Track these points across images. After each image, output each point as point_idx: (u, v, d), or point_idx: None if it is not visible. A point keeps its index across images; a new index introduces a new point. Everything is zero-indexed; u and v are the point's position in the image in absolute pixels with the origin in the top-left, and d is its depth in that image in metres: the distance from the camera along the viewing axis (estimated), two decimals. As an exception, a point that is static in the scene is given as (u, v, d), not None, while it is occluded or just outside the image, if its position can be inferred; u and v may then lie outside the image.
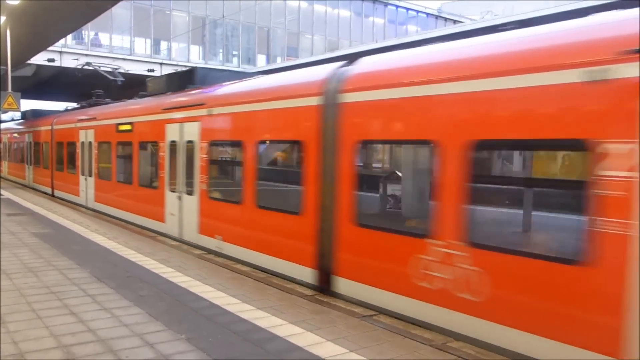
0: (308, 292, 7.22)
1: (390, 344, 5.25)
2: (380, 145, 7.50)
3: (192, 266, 8.50)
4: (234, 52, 41.97)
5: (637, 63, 4.29)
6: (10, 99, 19.09)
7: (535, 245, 5.78)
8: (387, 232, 6.51)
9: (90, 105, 19.59)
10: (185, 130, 11.09)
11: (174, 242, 10.80)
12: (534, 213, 6.02)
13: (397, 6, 51.94)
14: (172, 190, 11.63)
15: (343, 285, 7.11)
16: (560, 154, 5.87)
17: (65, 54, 31.35)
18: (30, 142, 24.75)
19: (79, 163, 18.00)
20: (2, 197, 18.20)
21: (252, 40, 42.67)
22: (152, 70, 31.80)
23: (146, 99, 14.26)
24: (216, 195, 10.26)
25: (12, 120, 30.01)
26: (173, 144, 11.59)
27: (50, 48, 26.73)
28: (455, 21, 51.06)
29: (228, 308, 6.24)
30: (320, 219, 7.45)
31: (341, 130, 7.10)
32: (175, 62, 36.61)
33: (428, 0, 54.54)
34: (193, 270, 8.16)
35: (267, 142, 9.19)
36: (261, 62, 42.65)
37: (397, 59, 7.03)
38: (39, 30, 20.24)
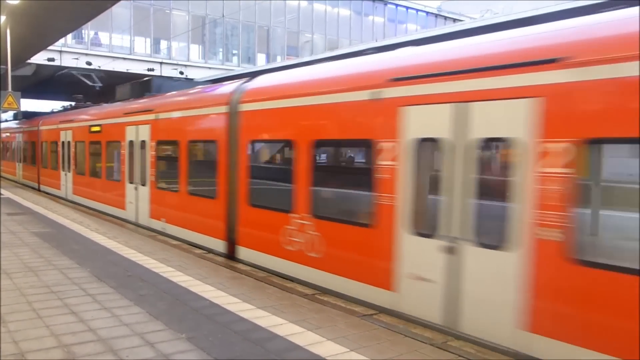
0: (308, 291, 7.22)
1: (391, 342, 5.26)
2: (264, 144, 9.51)
3: (192, 265, 8.51)
4: (234, 52, 41.95)
5: (397, 88, 6.44)
6: (10, 99, 19.11)
7: (349, 215, 7.58)
8: (267, 210, 8.70)
9: (72, 108, 22.11)
10: (139, 132, 13.20)
11: (174, 242, 10.81)
12: (348, 191, 8.03)
13: (396, 5, 51.91)
14: (131, 182, 13.77)
15: (243, 252, 9.35)
16: (355, 149, 8.29)
17: (65, 53, 31.34)
18: (20, 142, 27.21)
19: (60, 160, 20.19)
20: (2, 196, 18.20)
21: (252, 39, 42.64)
22: (152, 70, 31.82)
23: (114, 104, 16.42)
24: (162, 185, 12.33)
25: (5, 121, 30.26)
26: (131, 143, 13.71)
27: (50, 47, 26.73)
28: (455, 20, 51.05)
29: (228, 307, 6.24)
30: (228, 202, 9.76)
31: (240, 133, 9.37)
32: (175, 62, 36.61)
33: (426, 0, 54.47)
34: (193, 270, 8.17)
35: (194, 141, 11.17)
36: (261, 62, 42.63)
37: (276, 78, 9.42)
38: (39, 29, 20.24)
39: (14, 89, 19.95)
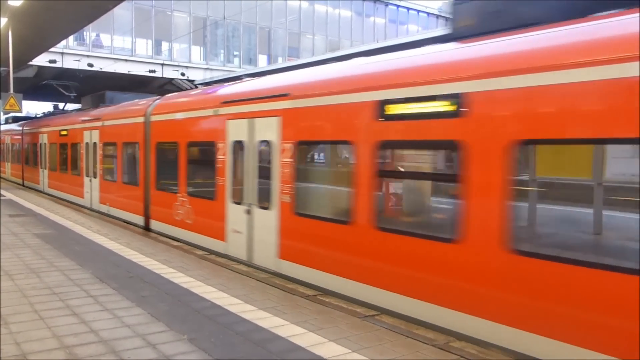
0: (310, 292, 7.22)
1: (392, 344, 5.25)
2: (164, 144, 12.43)
3: (194, 267, 8.51)
4: (235, 53, 41.98)
5: (227, 108, 9.81)
6: (12, 100, 19.17)
7: (206, 193, 10.57)
8: (165, 192, 12.21)
9: (51, 114, 26.02)
10: (92, 135, 16.95)
11: (175, 243, 10.82)
12: (205, 177, 10.70)
13: (397, 6, 51.93)
14: (87, 175, 17.42)
15: (153, 224, 12.97)
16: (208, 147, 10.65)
17: (67, 55, 31.37)
18: (8, 144, 30.62)
19: (39, 159, 23.80)
20: (3, 198, 18.22)
21: (254, 40, 42.67)
22: (154, 71, 31.85)
23: (79, 112, 20.61)
24: (106, 177, 15.95)
25: None
26: (87, 144, 17.39)
27: (52, 49, 26.73)
28: (456, 21, 50.97)
29: (230, 308, 6.24)
30: (144, 188, 13.37)
31: (151, 136, 12.91)
32: (176, 63, 36.62)
33: (429, 0, 54.45)
34: (194, 271, 8.17)
35: (126, 143, 14.61)
36: (262, 63, 42.64)
37: (171, 98, 13.35)
38: (41, 31, 20.27)
39: (15, 90, 19.99)
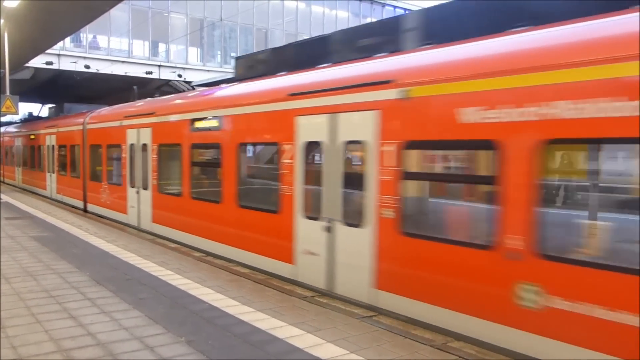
0: (308, 293, 7.21)
1: (391, 344, 5.25)
2: (99, 146, 16.21)
3: (191, 268, 8.49)
4: (232, 54, 41.93)
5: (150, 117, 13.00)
6: (8, 102, 19.11)
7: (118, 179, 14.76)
8: (97, 182, 15.98)
9: (25, 121, 30.62)
10: (51, 139, 21.61)
11: (172, 245, 10.80)
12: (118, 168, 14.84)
13: (394, 7, 51.95)
14: (49, 171, 21.98)
15: (90, 208, 17.14)
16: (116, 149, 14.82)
17: (64, 56, 31.24)
18: None
19: (15, 159, 28.72)
20: (1, 201, 18.17)
21: (251, 41, 42.60)
22: (151, 73, 31.77)
23: (44, 120, 25.63)
24: (61, 172, 20.41)
25: None
26: (48, 146, 21.96)
27: (49, 51, 26.63)
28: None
29: (228, 310, 6.23)
30: (83, 180, 17.60)
31: (88, 140, 17.16)
32: (173, 64, 36.53)
33: (424, 0, 54.45)
34: (192, 273, 8.15)
35: (72, 145, 18.81)
36: (259, 64, 42.53)
37: (102, 110, 17.39)
38: (37, 33, 20.21)
39: (12, 92, 19.94)
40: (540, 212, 5.01)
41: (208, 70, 38.00)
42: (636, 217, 4.54)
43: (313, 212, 7.72)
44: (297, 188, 8.02)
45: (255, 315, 6.04)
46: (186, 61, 38.28)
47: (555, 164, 5.71)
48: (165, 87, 22.68)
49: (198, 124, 10.59)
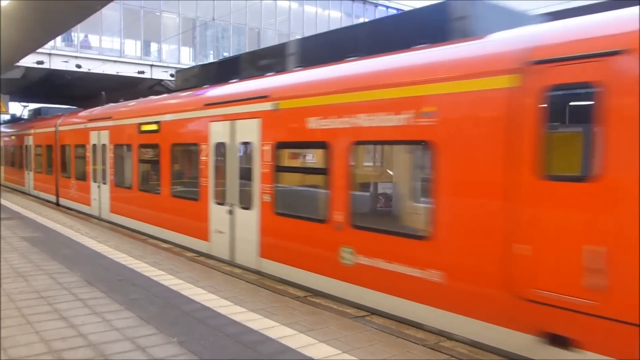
0: (300, 293, 7.21)
1: (383, 344, 5.25)
2: (67, 146, 18.56)
3: (183, 269, 8.46)
4: (225, 54, 41.82)
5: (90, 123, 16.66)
6: (-1, 102, 18.99)
7: (80, 174, 17.24)
8: (67, 178, 18.42)
9: (10, 122, 32.52)
10: (29, 139, 23.77)
11: (165, 245, 10.76)
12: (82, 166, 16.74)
13: (387, 7, 52.02)
14: (26, 169, 24.27)
15: (61, 201, 19.04)
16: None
17: (55, 56, 31.01)
18: None
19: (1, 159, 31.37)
20: (1, 203, 18.06)
21: (243, 41, 42.51)
22: (143, 72, 31.62)
23: (24, 122, 27.53)
24: (37, 169, 22.62)
25: None
26: (27, 146, 24.15)
27: (39, 50, 26.41)
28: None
29: (220, 310, 6.21)
30: (56, 176, 19.67)
31: (59, 141, 19.28)
32: (166, 64, 36.37)
33: (417, 0, 54.54)
34: (184, 273, 8.13)
35: (47, 145, 20.82)
36: (252, 63, 42.48)
37: (69, 114, 19.91)
38: (28, 32, 20.07)
39: (2, 92, 19.82)
40: (352, 194, 7.07)
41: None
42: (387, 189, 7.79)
43: (221, 198, 9.72)
44: (210, 180, 10.03)
45: (247, 316, 6.03)
46: (178, 61, 38.12)
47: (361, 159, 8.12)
48: (157, 87, 22.59)
49: (143, 127, 12.92)
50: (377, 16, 51.50)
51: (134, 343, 5.06)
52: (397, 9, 53.18)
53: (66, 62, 30.87)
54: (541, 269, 4.90)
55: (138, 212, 13.26)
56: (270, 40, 42.94)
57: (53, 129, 19.92)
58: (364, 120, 6.77)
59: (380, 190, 7.77)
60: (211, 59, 40.38)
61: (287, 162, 8.90)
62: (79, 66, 30.14)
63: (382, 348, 5.14)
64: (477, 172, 5.56)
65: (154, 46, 38.28)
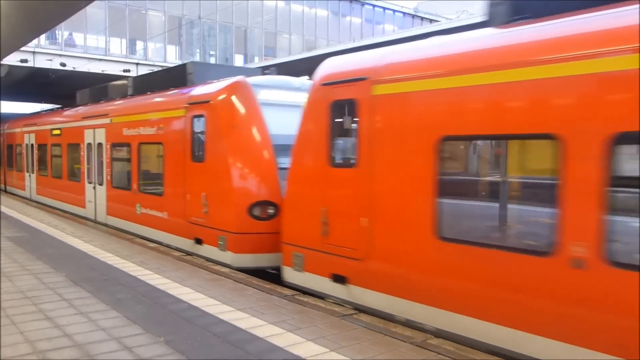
0: (288, 292, 7.21)
1: (370, 342, 5.27)
2: (18, 146, 21.96)
3: (171, 268, 8.43)
4: (211, 52, 41.69)
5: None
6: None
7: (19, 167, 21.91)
8: (17, 171, 22.47)
9: None
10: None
11: (151, 244, 10.70)
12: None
13: (374, 5, 52.15)
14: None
15: (9, 189, 23.98)
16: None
17: (39, 54, 30.74)
18: None
19: None
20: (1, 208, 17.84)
21: (230, 40, 42.40)
22: (128, 71, 31.41)
23: None
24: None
25: None
26: None
27: (23, 48, 26.16)
28: (431, 20, 51.44)
29: (207, 309, 6.20)
30: (2, 168, 25.18)
31: (6, 142, 24.37)
32: (151, 62, 36.18)
33: (399, 0, 54.68)
34: (171, 272, 8.09)
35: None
36: (239, 62, 42.39)
37: (15, 119, 23.88)
38: (12, 29, 19.83)
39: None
40: (142, 173, 12.04)
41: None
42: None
43: (89, 179, 14.71)
44: (85, 167, 14.96)
45: (235, 315, 6.02)
46: (164, 59, 37.94)
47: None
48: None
49: (54, 132, 17.66)
50: (364, 15, 51.64)
51: (120, 343, 5.03)
52: (384, 8, 53.31)
53: (50, 60, 30.58)
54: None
55: (39, 189, 19.56)
56: (257, 38, 42.85)
57: (20, 130, 22.60)
58: (142, 130, 11.74)
59: (154, 171, 11.69)
60: (197, 58, 40.27)
61: (116, 155, 13.21)
62: (63, 64, 29.88)
63: (370, 346, 5.16)
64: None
65: (139, 44, 38.04)
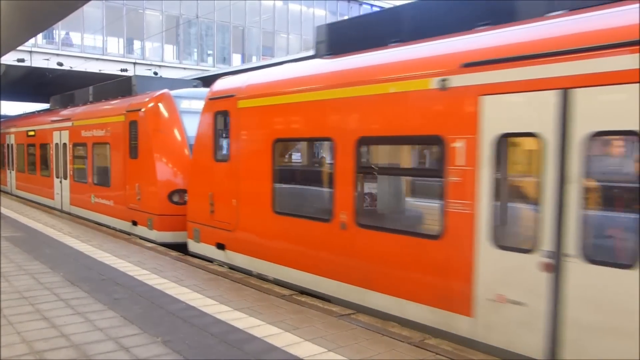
0: (286, 292, 7.20)
1: (368, 342, 5.26)
2: (1, 146, 24.14)
3: (168, 268, 8.41)
4: (209, 52, 41.60)
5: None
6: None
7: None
8: (1, 169, 24.25)
9: None
10: None
11: (148, 245, 10.68)
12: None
13: (371, 5, 52.14)
14: None
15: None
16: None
17: (36, 53, 30.63)
18: None
19: None
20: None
21: (227, 39, 42.31)
22: (126, 70, 31.35)
23: None
24: None
25: None
26: None
27: (20, 48, 26.10)
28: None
29: (205, 309, 6.18)
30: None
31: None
32: (149, 62, 36.11)
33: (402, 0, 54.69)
34: (169, 272, 8.07)
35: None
36: (237, 62, 42.33)
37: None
38: (8, 29, 19.78)
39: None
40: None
41: (184, 68, 37.66)
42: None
43: (57, 174, 16.90)
44: (54, 164, 17.05)
45: (232, 315, 6.01)
46: (162, 59, 37.86)
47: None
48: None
49: (30, 133, 19.79)
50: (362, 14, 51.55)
51: (118, 343, 5.01)
52: (381, 7, 53.27)
53: (47, 59, 30.48)
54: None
55: (18, 185, 21.64)
56: (254, 38, 42.79)
57: None
58: (95, 132, 14.01)
59: (104, 166, 13.67)
60: (195, 57, 40.21)
61: (77, 153, 15.20)
62: (60, 64, 29.79)
63: (368, 346, 5.15)
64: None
65: (137, 44, 37.95)
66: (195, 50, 40.93)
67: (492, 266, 5.00)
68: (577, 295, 4.43)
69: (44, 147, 18.12)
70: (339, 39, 7.53)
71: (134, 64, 34.98)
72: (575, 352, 4.42)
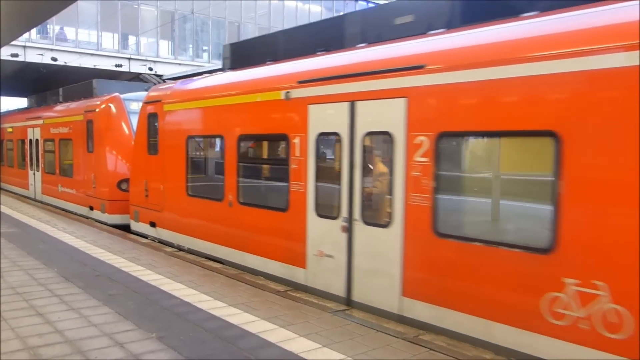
0: (280, 288, 7.21)
1: (363, 338, 5.28)
2: None
3: (163, 264, 8.40)
4: (204, 48, 41.47)
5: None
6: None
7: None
8: None
9: None
10: None
11: (144, 240, 10.66)
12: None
13: (367, 1, 52.06)
14: None
15: None
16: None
17: (30, 48, 30.44)
18: None
19: None
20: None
21: (223, 35, 42.17)
22: (120, 66, 31.18)
23: None
24: None
25: None
26: None
27: (14, 42, 25.93)
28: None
29: (199, 305, 6.19)
30: None
31: None
32: (144, 57, 35.94)
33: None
34: (164, 268, 8.07)
35: None
36: (232, 58, 42.16)
37: None
38: (2, 23, 19.65)
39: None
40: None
41: (179, 64, 37.48)
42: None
43: (31, 168, 18.61)
44: (28, 158, 18.62)
45: (227, 310, 6.01)
46: (157, 54, 37.69)
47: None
48: (135, 80, 22.31)
49: (9, 130, 21.54)
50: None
51: (112, 339, 5.01)
52: (377, 4, 53.05)
53: (41, 55, 30.30)
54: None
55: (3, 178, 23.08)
56: (250, 34, 42.64)
57: None
58: (61, 129, 15.79)
59: (68, 159, 15.43)
60: (190, 53, 40.07)
61: (47, 148, 16.88)
62: (54, 59, 29.61)
63: (362, 342, 5.17)
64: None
65: (131, 39, 37.75)
66: (191, 46, 40.78)
67: (315, 230, 6.89)
68: (360, 249, 6.30)
69: (21, 142, 20.08)
70: (236, 56, 9.48)
71: (129, 59, 34.81)
72: (360, 289, 6.31)
